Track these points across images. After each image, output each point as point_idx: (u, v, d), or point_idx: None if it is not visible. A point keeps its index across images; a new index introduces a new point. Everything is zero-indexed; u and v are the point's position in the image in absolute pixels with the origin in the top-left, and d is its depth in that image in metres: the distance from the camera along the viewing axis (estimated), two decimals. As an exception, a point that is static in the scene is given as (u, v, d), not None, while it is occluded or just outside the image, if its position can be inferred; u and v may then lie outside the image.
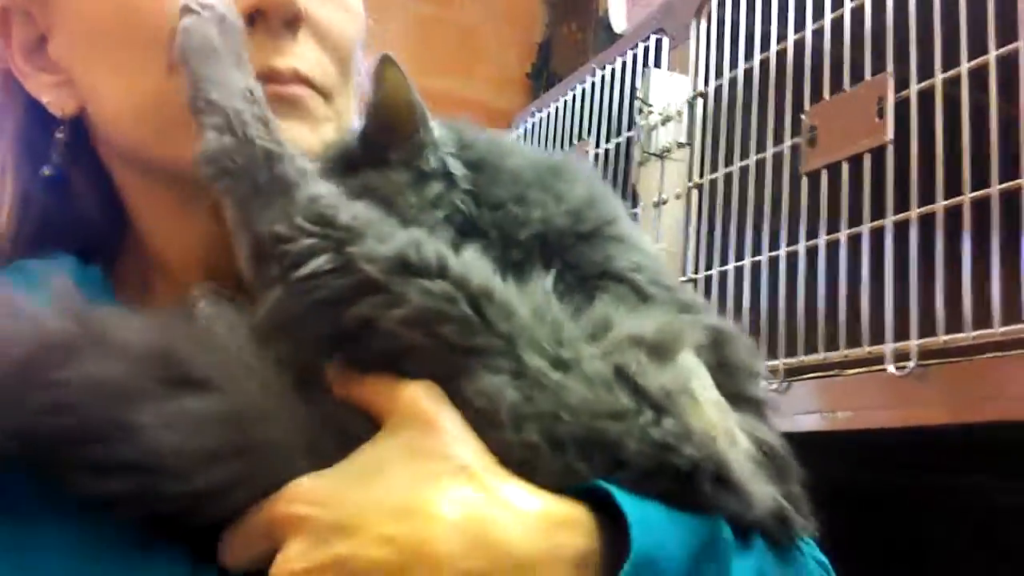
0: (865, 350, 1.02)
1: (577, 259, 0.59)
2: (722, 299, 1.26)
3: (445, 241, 0.56)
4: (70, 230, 0.70)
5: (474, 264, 0.54)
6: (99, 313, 0.55)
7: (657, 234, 1.41)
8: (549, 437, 0.50)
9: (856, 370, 1.04)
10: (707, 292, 1.29)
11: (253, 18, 0.63)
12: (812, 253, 1.14)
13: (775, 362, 1.13)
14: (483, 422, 0.51)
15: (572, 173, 0.64)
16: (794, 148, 1.20)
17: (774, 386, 1.11)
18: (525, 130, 1.84)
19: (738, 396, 0.57)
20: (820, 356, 1.08)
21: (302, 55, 0.64)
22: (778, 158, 1.22)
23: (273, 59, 0.63)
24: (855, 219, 1.09)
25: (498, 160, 0.62)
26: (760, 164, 1.25)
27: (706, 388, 0.54)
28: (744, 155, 1.28)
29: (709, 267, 1.30)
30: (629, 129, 1.52)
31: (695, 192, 1.37)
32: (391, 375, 0.52)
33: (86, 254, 0.69)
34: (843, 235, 1.10)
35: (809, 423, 1.07)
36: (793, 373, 1.12)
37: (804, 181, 1.17)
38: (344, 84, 0.68)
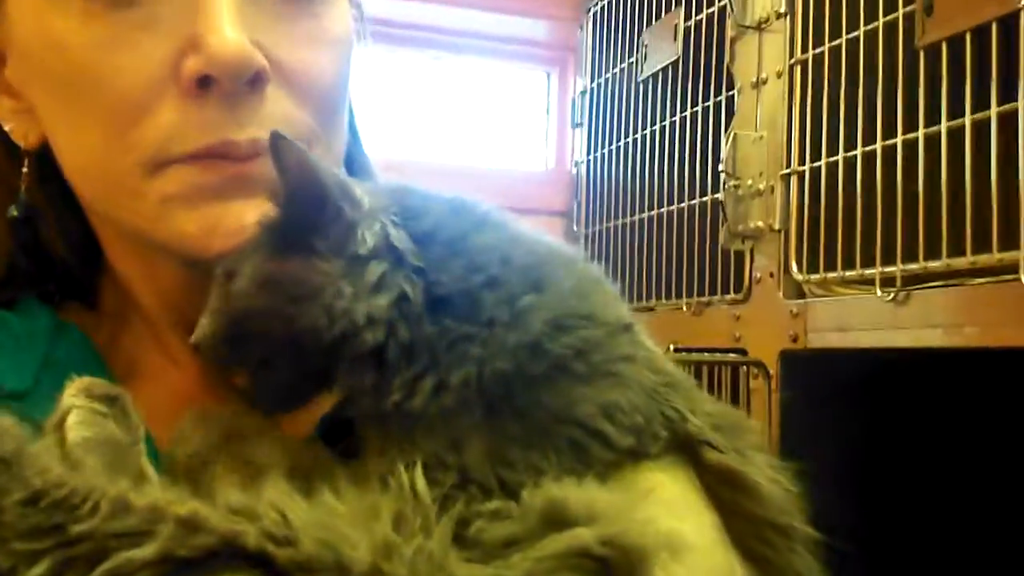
0: (995, 256, 0.91)
1: (527, 405, 0.46)
2: (831, 195, 1.15)
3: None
4: (39, 270, 0.65)
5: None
6: None
7: (757, 120, 1.29)
8: None
9: (985, 279, 0.94)
10: (813, 186, 1.18)
11: (205, 82, 0.53)
12: (932, 141, 1.01)
13: (892, 268, 1.03)
14: None
15: (550, 276, 0.49)
16: (909, 17, 1.05)
17: (891, 297, 1.01)
18: (603, 7, 1.70)
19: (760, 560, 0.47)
20: (943, 262, 0.97)
21: (269, 116, 0.55)
22: (891, 29, 1.08)
23: (229, 130, 0.54)
24: (981, 102, 0.95)
25: (457, 234, 0.50)
26: (870, 36, 1.11)
27: None
28: (852, 26, 1.14)
29: (816, 158, 1.18)
30: (721, -2, 1.38)
31: (797, 70, 1.24)
32: None
33: (56, 293, 0.65)
34: (967, 120, 0.97)
35: (931, 338, 0.97)
36: (912, 281, 1.01)
37: (921, 56, 1.03)
38: (326, 129, 0.60)
